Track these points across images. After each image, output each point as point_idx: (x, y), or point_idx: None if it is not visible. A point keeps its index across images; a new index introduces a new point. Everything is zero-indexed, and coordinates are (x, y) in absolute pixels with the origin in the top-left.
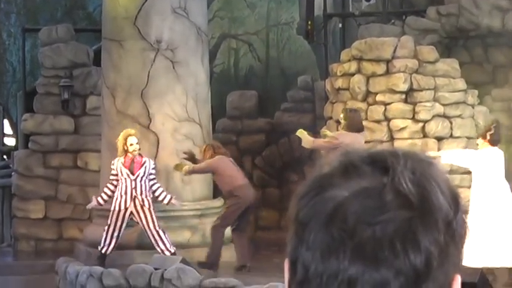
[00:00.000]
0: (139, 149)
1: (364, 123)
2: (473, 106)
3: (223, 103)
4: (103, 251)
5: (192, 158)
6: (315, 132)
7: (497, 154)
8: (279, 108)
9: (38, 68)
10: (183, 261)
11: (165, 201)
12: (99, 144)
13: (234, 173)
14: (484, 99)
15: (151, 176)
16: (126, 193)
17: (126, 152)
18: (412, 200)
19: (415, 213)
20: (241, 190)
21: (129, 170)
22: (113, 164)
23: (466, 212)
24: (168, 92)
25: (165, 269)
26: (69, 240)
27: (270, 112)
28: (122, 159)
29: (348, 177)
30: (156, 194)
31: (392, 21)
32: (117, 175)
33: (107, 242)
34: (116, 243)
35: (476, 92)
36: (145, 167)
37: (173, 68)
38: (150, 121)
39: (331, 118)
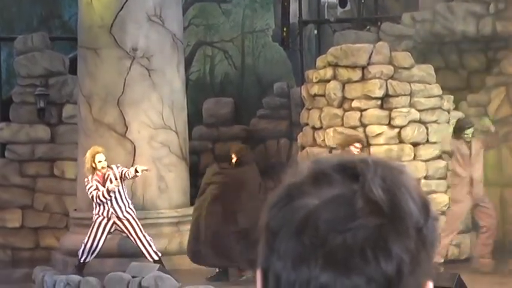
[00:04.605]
0: (107, 166)
1: (340, 129)
2: (448, 111)
3: (199, 110)
4: (81, 261)
5: None
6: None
7: None
8: (254, 115)
9: (13, 77)
10: (161, 269)
11: (132, 173)
12: (75, 152)
13: None
14: (459, 105)
15: (119, 174)
16: (104, 213)
17: (94, 169)
18: (382, 206)
19: (386, 220)
20: None
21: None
22: (88, 182)
23: (436, 219)
24: (144, 99)
25: (143, 277)
26: (46, 249)
27: (245, 119)
28: (96, 177)
29: (318, 186)
30: (126, 175)
31: (368, 27)
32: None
33: (86, 251)
34: (96, 253)
35: (451, 97)
36: (111, 179)
37: (149, 75)
38: (127, 129)
39: (307, 124)
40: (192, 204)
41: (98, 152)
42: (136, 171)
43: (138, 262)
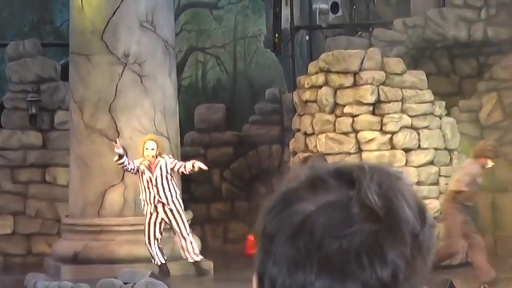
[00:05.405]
0: (158, 154)
1: (332, 135)
2: (440, 117)
3: (191, 116)
4: (157, 263)
5: None
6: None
7: None
8: (246, 120)
9: (5, 82)
10: (153, 275)
11: (190, 167)
12: (67, 158)
13: None
14: (451, 110)
15: (171, 165)
16: (150, 199)
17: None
18: (378, 213)
19: (382, 226)
20: None
21: (151, 173)
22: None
23: (433, 226)
24: (136, 105)
25: (135, 283)
26: (38, 255)
27: (237, 125)
28: (145, 162)
29: (315, 191)
30: (182, 169)
31: (359, 33)
32: (136, 170)
33: (153, 253)
34: (161, 250)
35: (443, 103)
36: (161, 167)
37: (141, 81)
38: (118, 135)
39: (299, 130)
40: (184, 209)
41: (150, 139)
42: (193, 166)
43: (130, 268)
